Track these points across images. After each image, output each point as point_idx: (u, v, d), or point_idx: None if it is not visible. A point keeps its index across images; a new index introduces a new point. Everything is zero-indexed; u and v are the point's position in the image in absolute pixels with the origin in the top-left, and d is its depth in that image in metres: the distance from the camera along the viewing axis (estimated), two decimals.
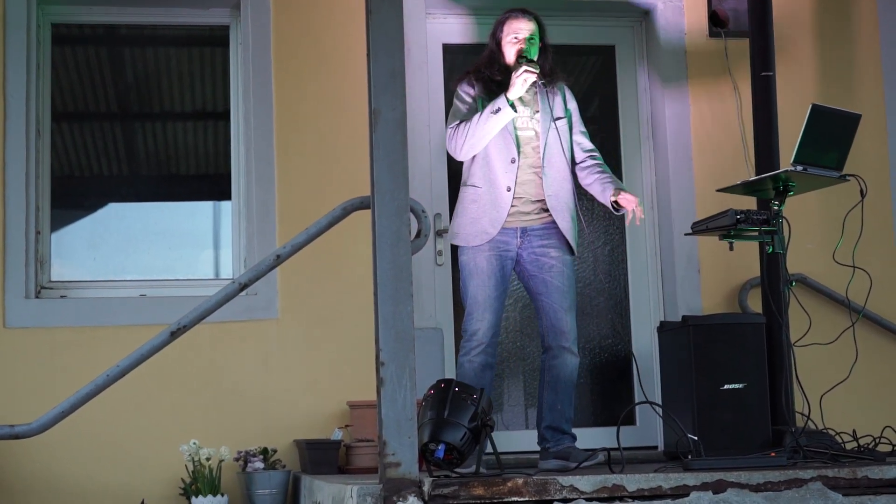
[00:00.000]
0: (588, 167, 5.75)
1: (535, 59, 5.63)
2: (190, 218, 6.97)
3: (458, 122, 5.61)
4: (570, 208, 5.67)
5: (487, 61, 5.78)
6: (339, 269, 6.51)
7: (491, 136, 5.54)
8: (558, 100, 5.77)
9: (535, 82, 5.59)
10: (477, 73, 5.76)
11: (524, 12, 5.78)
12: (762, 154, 6.45)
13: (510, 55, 5.70)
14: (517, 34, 5.70)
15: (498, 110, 5.48)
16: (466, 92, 5.71)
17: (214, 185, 7.00)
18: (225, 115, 6.86)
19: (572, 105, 5.83)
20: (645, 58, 7.16)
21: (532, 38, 5.70)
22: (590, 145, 5.80)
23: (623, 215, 5.68)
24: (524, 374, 6.95)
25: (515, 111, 5.54)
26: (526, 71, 5.50)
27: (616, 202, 5.62)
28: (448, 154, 5.84)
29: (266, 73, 6.66)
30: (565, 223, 5.64)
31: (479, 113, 5.55)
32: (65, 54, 6.87)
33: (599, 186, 5.70)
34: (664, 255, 6.98)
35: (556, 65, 5.83)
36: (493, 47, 5.78)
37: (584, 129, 5.82)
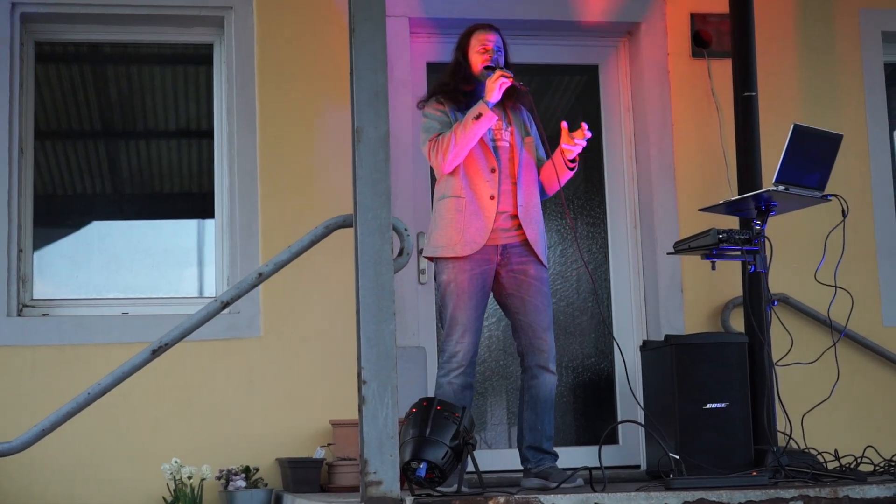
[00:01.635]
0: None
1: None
2: (173, 236, 6.96)
3: (436, 134, 5.60)
4: (538, 221, 5.67)
5: (453, 74, 5.78)
6: (322, 287, 6.50)
7: (473, 143, 5.51)
8: (525, 116, 5.79)
9: (514, 87, 5.60)
10: (443, 87, 5.77)
11: (490, 26, 5.82)
12: (744, 173, 6.48)
13: (478, 65, 5.71)
14: (485, 45, 5.73)
15: (479, 115, 5.47)
16: (436, 108, 5.70)
17: (198, 204, 6.99)
18: (209, 134, 6.86)
19: (536, 125, 5.85)
20: (628, 77, 7.18)
21: (499, 50, 5.74)
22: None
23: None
24: (507, 393, 6.95)
25: (496, 116, 5.54)
26: (502, 75, 5.51)
27: (568, 158, 5.62)
28: (431, 172, 5.84)
29: (250, 91, 6.67)
30: (534, 234, 5.62)
31: (458, 122, 5.54)
32: (48, 72, 6.87)
33: (551, 163, 5.71)
34: (647, 274, 6.99)
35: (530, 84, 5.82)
36: (460, 59, 5.79)
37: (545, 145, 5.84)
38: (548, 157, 5.77)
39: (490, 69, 5.60)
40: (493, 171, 5.60)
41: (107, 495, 6.20)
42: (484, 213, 5.56)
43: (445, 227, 5.59)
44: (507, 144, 5.67)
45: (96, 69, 7.04)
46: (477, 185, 5.59)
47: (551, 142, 5.70)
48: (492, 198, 5.57)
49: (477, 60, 5.73)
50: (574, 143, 5.55)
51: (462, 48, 5.81)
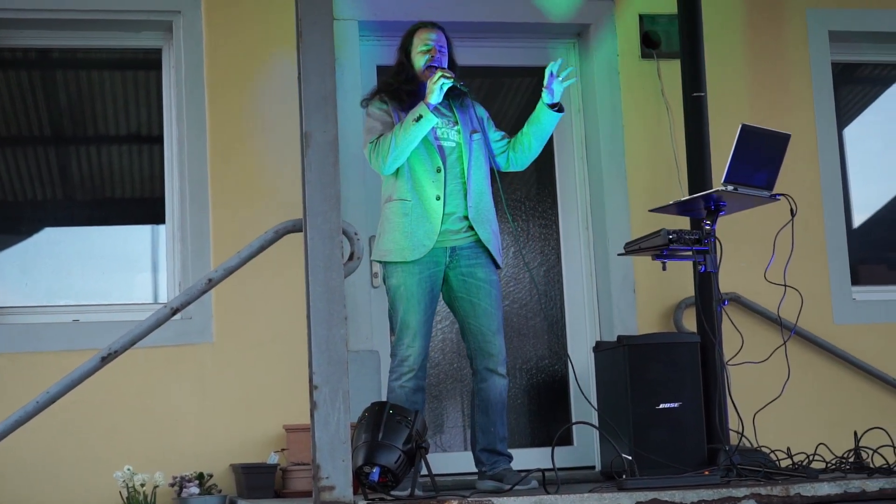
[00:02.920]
0: (511, 138, 5.84)
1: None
2: (124, 242, 6.93)
3: (377, 136, 5.59)
4: (489, 221, 5.67)
5: (396, 73, 5.79)
6: (274, 292, 6.49)
7: (414, 145, 5.51)
8: (472, 113, 5.79)
9: (455, 87, 5.60)
10: (387, 87, 5.77)
11: (433, 24, 5.82)
12: (694, 174, 6.51)
13: (420, 64, 5.71)
14: (426, 44, 5.73)
15: (420, 117, 5.45)
16: (379, 108, 5.69)
17: (149, 209, 6.96)
18: (159, 139, 6.83)
19: (483, 113, 5.86)
20: (578, 79, 7.20)
21: (442, 49, 5.74)
22: (501, 132, 5.87)
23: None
24: (461, 396, 6.95)
25: (436, 118, 5.54)
26: (443, 76, 5.51)
27: (548, 104, 5.73)
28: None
29: (199, 96, 6.64)
30: (486, 234, 5.63)
31: (398, 124, 5.54)
32: None
33: (532, 117, 5.79)
34: (600, 275, 7.00)
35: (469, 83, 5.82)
36: (403, 59, 5.79)
37: (496, 128, 5.87)
38: (502, 135, 5.80)
39: (432, 69, 5.61)
40: (438, 170, 5.59)
41: (60, 503, 6.16)
42: (430, 216, 5.55)
43: (392, 231, 5.58)
44: (454, 144, 5.66)
45: (45, 74, 6.99)
46: (422, 187, 5.57)
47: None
48: (438, 198, 5.56)
49: (419, 60, 5.73)
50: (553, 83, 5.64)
51: (405, 48, 5.81)
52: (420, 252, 5.51)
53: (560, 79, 5.68)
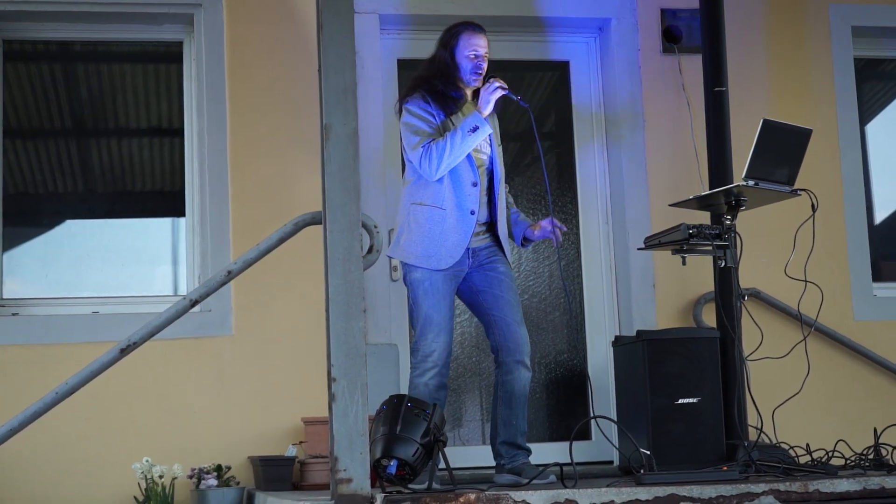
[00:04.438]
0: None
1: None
2: (144, 234, 6.94)
3: (428, 141, 5.48)
4: (503, 223, 5.70)
5: (438, 74, 5.65)
6: (293, 285, 6.49)
7: (465, 155, 5.50)
8: (497, 124, 5.77)
9: (511, 100, 5.59)
10: (429, 87, 5.63)
11: (480, 27, 5.70)
12: (715, 169, 6.49)
13: (466, 70, 5.61)
14: (476, 50, 5.62)
15: (475, 128, 5.41)
16: (424, 109, 5.56)
17: (169, 202, 6.98)
18: (179, 132, 6.84)
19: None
20: (600, 73, 7.19)
21: (487, 55, 5.68)
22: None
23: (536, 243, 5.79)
24: (480, 390, 6.95)
25: (491, 129, 5.52)
26: (500, 87, 5.48)
27: (526, 239, 5.78)
28: (401, 169, 5.82)
29: (220, 89, 6.65)
30: (503, 236, 5.67)
31: (453, 132, 5.44)
32: (18, 70, 6.84)
33: (512, 218, 5.82)
34: (619, 270, 6.99)
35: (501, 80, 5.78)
36: (448, 60, 5.64)
37: None
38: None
39: (489, 80, 5.52)
40: (474, 185, 5.56)
41: (78, 495, 6.17)
42: (465, 228, 5.52)
43: (422, 236, 5.52)
44: (485, 156, 5.64)
45: (66, 67, 7.01)
46: (459, 199, 5.52)
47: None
48: (472, 213, 5.53)
49: (466, 66, 5.62)
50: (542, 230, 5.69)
51: (449, 48, 5.66)
52: (448, 262, 5.49)
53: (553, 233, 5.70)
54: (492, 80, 5.52)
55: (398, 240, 5.61)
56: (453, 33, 5.70)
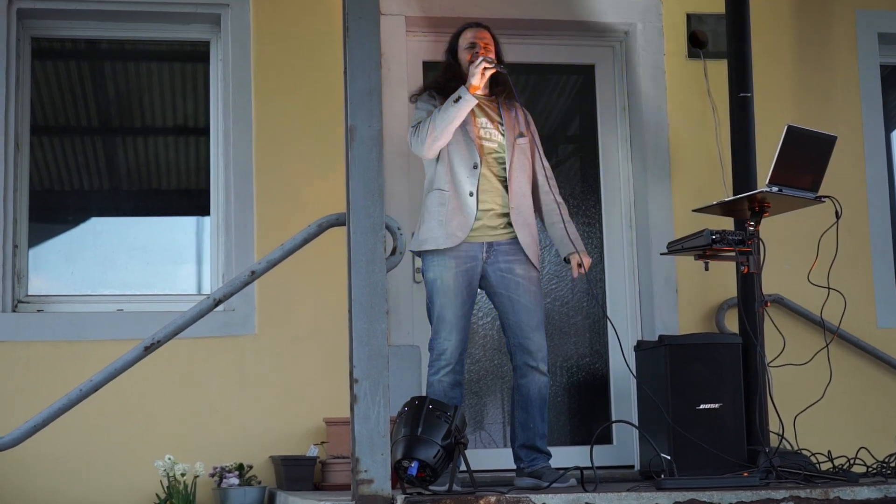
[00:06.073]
0: (551, 205, 5.84)
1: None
2: (169, 233, 6.96)
3: (418, 122, 5.65)
4: (529, 224, 5.70)
5: (444, 73, 5.85)
6: (316, 285, 6.51)
7: (453, 127, 5.53)
8: (519, 118, 5.80)
9: (498, 73, 5.63)
10: (435, 84, 5.83)
11: (478, 24, 5.88)
12: (739, 174, 6.48)
13: (467, 63, 5.74)
14: (472, 41, 5.79)
15: (458, 99, 5.49)
16: (428, 101, 5.74)
17: (194, 201, 7.00)
18: (205, 131, 6.86)
19: (532, 128, 5.87)
20: (625, 77, 7.18)
21: (487, 46, 5.77)
22: (549, 170, 5.89)
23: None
24: (502, 392, 6.96)
25: (474, 99, 5.55)
26: (484, 61, 5.54)
27: (568, 259, 5.81)
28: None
29: (246, 89, 6.67)
30: (527, 238, 5.66)
31: (438, 108, 5.60)
32: (45, 68, 6.87)
33: (559, 234, 5.81)
34: (642, 275, 6.99)
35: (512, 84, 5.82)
36: (450, 59, 5.87)
37: (543, 154, 5.88)
38: (544, 160, 5.80)
39: (475, 56, 5.65)
40: (474, 167, 5.62)
41: (100, 492, 6.20)
42: (464, 210, 5.58)
43: (429, 220, 5.63)
44: (495, 144, 5.68)
45: (93, 65, 7.04)
46: (459, 181, 5.62)
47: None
48: (471, 194, 5.59)
49: (465, 57, 5.76)
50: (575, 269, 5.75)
51: (451, 49, 5.88)
52: (452, 241, 5.54)
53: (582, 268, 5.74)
54: (478, 55, 5.63)
55: (416, 232, 5.73)
56: (454, 35, 5.93)
